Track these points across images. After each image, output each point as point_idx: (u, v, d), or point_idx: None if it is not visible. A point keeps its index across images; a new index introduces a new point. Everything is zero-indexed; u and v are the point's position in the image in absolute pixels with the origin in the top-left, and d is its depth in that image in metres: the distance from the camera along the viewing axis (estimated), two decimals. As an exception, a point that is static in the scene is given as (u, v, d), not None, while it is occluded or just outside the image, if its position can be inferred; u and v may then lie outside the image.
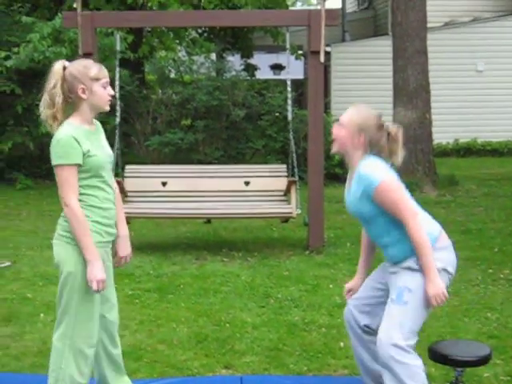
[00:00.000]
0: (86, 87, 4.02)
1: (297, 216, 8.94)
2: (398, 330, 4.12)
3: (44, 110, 4.04)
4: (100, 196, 4.07)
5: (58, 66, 4.07)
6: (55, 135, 3.97)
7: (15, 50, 13.31)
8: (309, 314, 6.60)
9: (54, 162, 3.95)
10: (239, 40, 19.75)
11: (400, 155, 4.34)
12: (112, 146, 9.96)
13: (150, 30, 17.83)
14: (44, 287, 7.53)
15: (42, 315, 6.59)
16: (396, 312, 4.17)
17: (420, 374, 4.13)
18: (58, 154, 3.93)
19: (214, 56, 20.50)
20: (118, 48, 9.71)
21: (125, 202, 9.41)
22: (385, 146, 4.29)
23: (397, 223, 4.19)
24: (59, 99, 4.00)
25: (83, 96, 4.03)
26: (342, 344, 5.82)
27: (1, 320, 6.47)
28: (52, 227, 9.77)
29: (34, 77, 14.07)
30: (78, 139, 3.94)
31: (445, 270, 4.21)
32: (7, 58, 13.29)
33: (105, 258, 4.16)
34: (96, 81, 4.05)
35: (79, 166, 3.95)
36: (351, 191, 4.34)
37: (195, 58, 18.93)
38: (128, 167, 9.72)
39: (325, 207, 9.35)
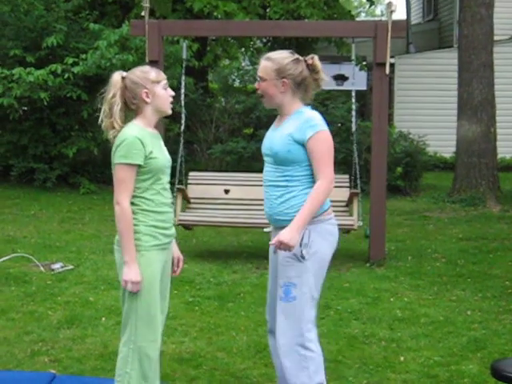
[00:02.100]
0: (148, 91, 4.12)
1: (358, 228, 8.91)
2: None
3: (104, 120, 4.15)
4: (156, 200, 4.13)
5: (116, 76, 4.18)
6: (120, 135, 4.06)
7: (83, 56, 13.49)
8: (369, 327, 6.55)
9: (115, 160, 4.03)
10: (303, 50, 19.77)
11: (322, 80, 4.33)
12: (176, 153, 10.12)
13: (214, 38, 17.95)
14: (106, 291, 7.60)
15: (103, 319, 6.66)
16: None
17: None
18: (120, 153, 4.01)
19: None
20: (185, 56, 9.77)
21: (188, 208, 9.49)
22: (308, 76, 4.27)
23: (301, 179, 4.20)
24: (117, 108, 4.10)
25: (147, 100, 4.13)
26: (402, 358, 5.76)
27: (63, 322, 6.54)
28: (114, 232, 9.91)
29: (100, 83, 14.08)
30: (142, 140, 4.03)
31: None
32: (75, 64, 13.46)
33: (165, 262, 4.25)
34: (157, 83, 4.15)
35: (139, 167, 4.03)
36: (282, 129, 4.27)
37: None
38: (191, 174, 9.80)
39: (386, 219, 9.30)
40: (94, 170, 15.34)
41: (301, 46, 19.40)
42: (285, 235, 4.07)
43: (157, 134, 4.26)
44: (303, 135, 4.14)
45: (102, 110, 4.15)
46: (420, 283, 8.10)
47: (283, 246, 4.09)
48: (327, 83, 4.47)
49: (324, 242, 4.25)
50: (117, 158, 4.02)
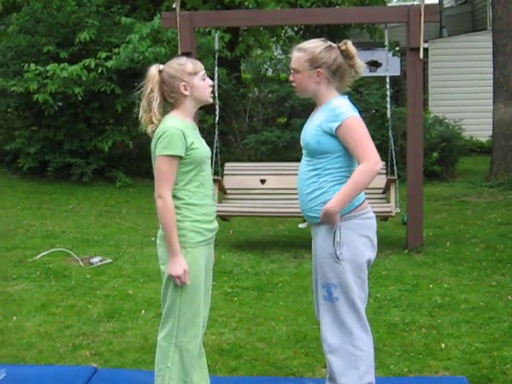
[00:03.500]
0: (186, 83, 4.09)
1: (396, 215, 8.86)
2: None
3: (142, 115, 4.13)
4: (200, 193, 4.11)
5: (153, 70, 4.15)
6: (160, 128, 4.04)
7: (115, 50, 13.53)
8: (409, 314, 6.51)
9: (156, 153, 4.02)
10: (335, 37, 19.64)
11: (360, 66, 4.23)
12: (210, 143, 10.09)
13: (246, 28, 17.90)
14: (145, 284, 7.63)
15: (143, 312, 6.69)
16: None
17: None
18: (161, 144, 3.99)
19: (310, 54, 20.43)
20: (217, 47, 9.77)
21: (224, 199, 9.50)
22: (343, 63, 4.17)
23: (333, 173, 4.10)
24: (156, 103, 4.08)
25: (186, 92, 4.10)
26: (443, 345, 5.72)
27: (103, 316, 6.58)
28: (152, 225, 9.87)
29: (133, 77, 14.24)
30: (184, 132, 4.00)
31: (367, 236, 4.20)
32: (108, 58, 13.50)
33: (209, 255, 4.25)
34: (194, 75, 4.12)
35: (181, 158, 4.01)
36: (313, 120, 4.22)
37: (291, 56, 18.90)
38: (227, 165, 9.80)
39: (423, 205, 9.23)
40: (129, 164, 15.40)
41: (333, 33, 19.29)
42: (327, 208, 4.00)
43: (195, 125, 4.25)
44: (330, 126, 4.05)
45: (141, 105, 4.13)
46: (459, 269, 8.04)
47: (326, 215, 4.02)
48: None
49: (360, 238, 4.14)
50: (158, 150, 4.00)
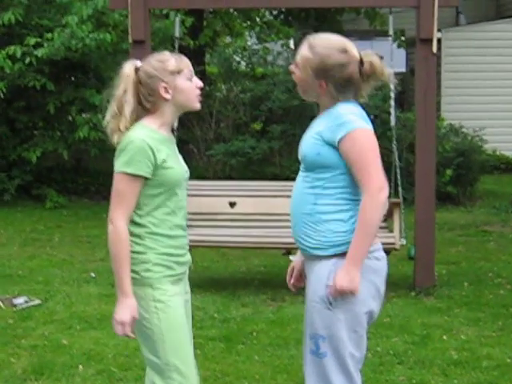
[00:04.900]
0: (167, 85, 4.09)
1: (401, 247, 8.89)
2: None
3: (110, 121, 4.12)
4: (169, 222, 4.11)
5: (128, 67, 4.16)
6: (125, 138, 4.01)
7: (48, 35, 13.47)
8: (417, 373, 6.52)
9: (116, 167, 4.00)
10: (325, 23, 19.75)
11: (386, 76, 4.22)
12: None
13: (212, 11, 17.93)
14: (82, 332, 7.59)
15: (80, 367, 6.63)
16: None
17: None
18: (123, 159, 3.98)
19: (292, 43, 20.54)
20: (177, 34, 9.79)
21: (185, 226, 9.46)
22: (358, 79, 4.14)
23: (336, 194, 4.09)
24: (129, 109, 4.07)
25: (167, 96, 4.09)
26: (460, 412, 5.76)
27: (30, 372, 6.51)
28: (91, 256, 9.80)
29: (70, 69, 14.28)
30: (152, 146, 3.99)
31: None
32: (38, 45, 13.45)
33: (181, 291, 4.24)
34: (178, 74, 4.12)
35: (146, 179, 4.00)
36: (312, 127, 4.21)
37: (269, 45, 18.96)
38: (188, 183, 9.77)
39: (435, 236, 9.27)
40: (63, 179, 15.35)
41: (322, 18, 19.39)
42: (342, 278, 3.97)
43: (172, 138, 4.25)
44: (333, 136, 4.03)
45: (110, 110, 4.13)
46: (480, 316, 8.07)
47: (341, 292, 4.00)
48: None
49: (363, 282, 4.05)
50: (118, 165, 3.99)
